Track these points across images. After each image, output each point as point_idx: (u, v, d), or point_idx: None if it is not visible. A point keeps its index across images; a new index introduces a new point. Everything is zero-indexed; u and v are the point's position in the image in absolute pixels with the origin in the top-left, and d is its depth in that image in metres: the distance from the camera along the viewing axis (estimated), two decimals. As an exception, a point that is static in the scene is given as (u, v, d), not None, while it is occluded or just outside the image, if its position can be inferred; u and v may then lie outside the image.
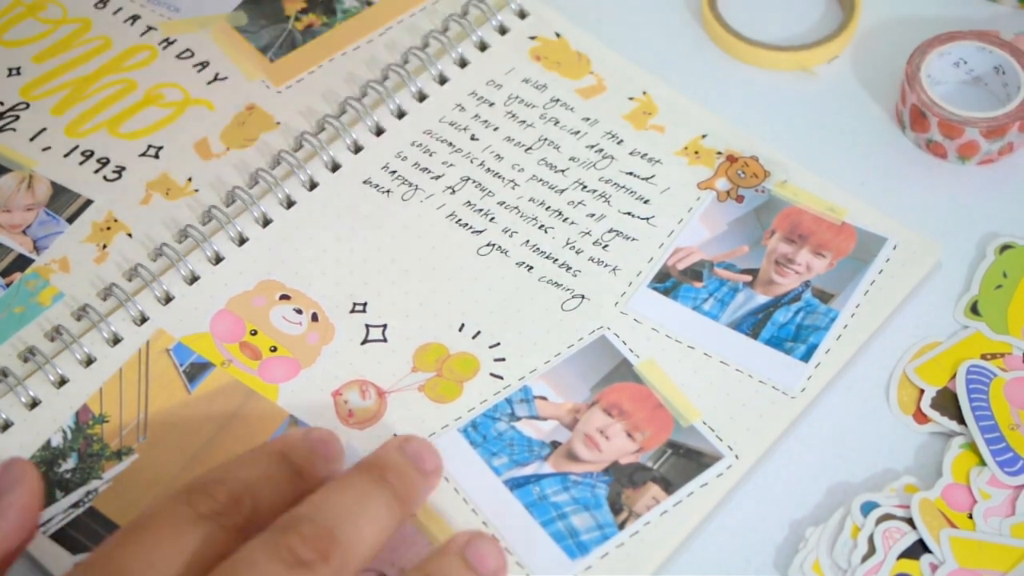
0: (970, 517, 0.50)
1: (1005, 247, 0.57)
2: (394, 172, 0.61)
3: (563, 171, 0.61)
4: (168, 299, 0.57)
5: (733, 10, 0.66)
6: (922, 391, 0.54)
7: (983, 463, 0.51)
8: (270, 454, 0.49)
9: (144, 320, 0.57)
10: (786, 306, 0.56)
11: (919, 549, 0.50)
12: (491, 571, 0.48)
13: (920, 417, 0.53)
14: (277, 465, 0.49)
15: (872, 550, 0.50)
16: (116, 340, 0.56)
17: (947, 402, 0.53)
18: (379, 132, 0.62)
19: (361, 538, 0.46)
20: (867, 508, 0.50)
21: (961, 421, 0.52)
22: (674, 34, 0.66)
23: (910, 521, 0.50)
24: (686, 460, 0.52)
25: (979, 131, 0.59)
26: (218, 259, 0.58)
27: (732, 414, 0.53)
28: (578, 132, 0.62)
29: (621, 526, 0.50)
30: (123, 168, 0.61)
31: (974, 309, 0.56)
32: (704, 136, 0.61)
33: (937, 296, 0.57)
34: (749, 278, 0.57)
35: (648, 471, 0.52)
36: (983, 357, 0.54)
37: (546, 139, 0.62)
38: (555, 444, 0.53)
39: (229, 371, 0.56)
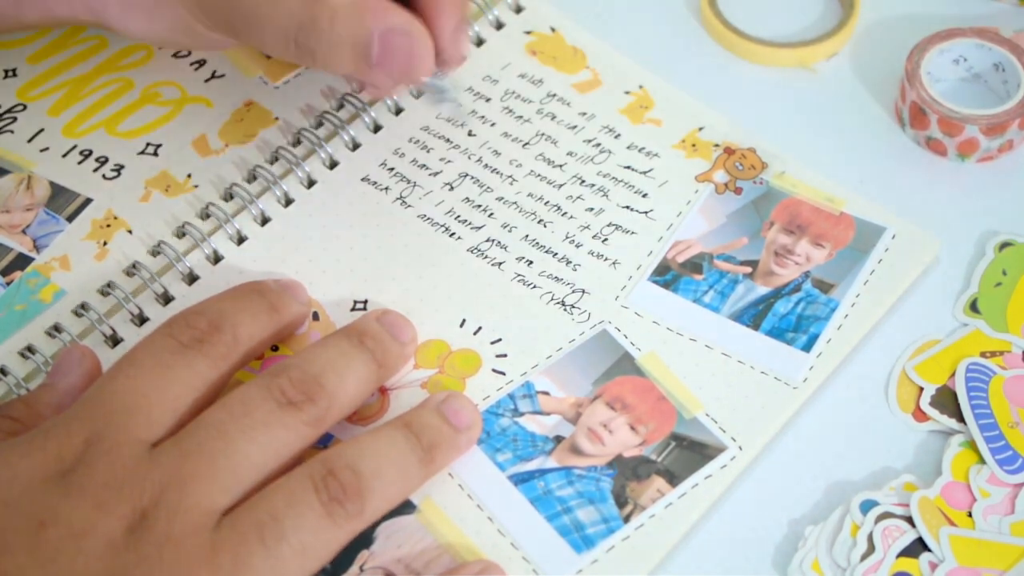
0: (969, 515, 0.50)
1: (1005, 244, 0.57)
2: (392, 169, 0.61)
3: (561, 166, 0.61)
4: (168, 299, 0.57)
5: (732, 6, 0.66)
6: (921, 389, 0.54)
7: (982, 461, 0.51)
8: (247, 291, 0.52)
9: (144, 320, 0.56)
10: (786, 297, 0.56)
11: (918, 547, 0.50)
12: (465, 424, 0.51)
13: (919, 415, 0.53)
14: (253, 299, 0.52)
15: (871, 548, 0.50)
16: (116, 341, 0.56)
17: (946, 400, 0.53)
18: (376, 129, 0.62)
19: (344, 388, 0.50)
20: (866, 506, 0.51)
21: (960, 419, 0.53)
22: (673, 31, 0.66)
23: (909, 519, 0.50)
24: (690, 452, 0.52)
25: (979, 128, 0.59)
26: (217, 258, 0.58)
27: (735, 405, 0.53)
28: (575, 127, 0.62)
29: (626, 519, 0.50)
30: (122, 166, 0.61)
31: (973, 307, 0.56)
32: (701, 129, 0.61)
33: (936, 293, 0.57)
34: (749, 270, 0.57)
35: (652, 464, 0.52)
36: (982, 355, 0.54)
37: (543, 134, 0.62)
38: (559, 439, 0.53)
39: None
